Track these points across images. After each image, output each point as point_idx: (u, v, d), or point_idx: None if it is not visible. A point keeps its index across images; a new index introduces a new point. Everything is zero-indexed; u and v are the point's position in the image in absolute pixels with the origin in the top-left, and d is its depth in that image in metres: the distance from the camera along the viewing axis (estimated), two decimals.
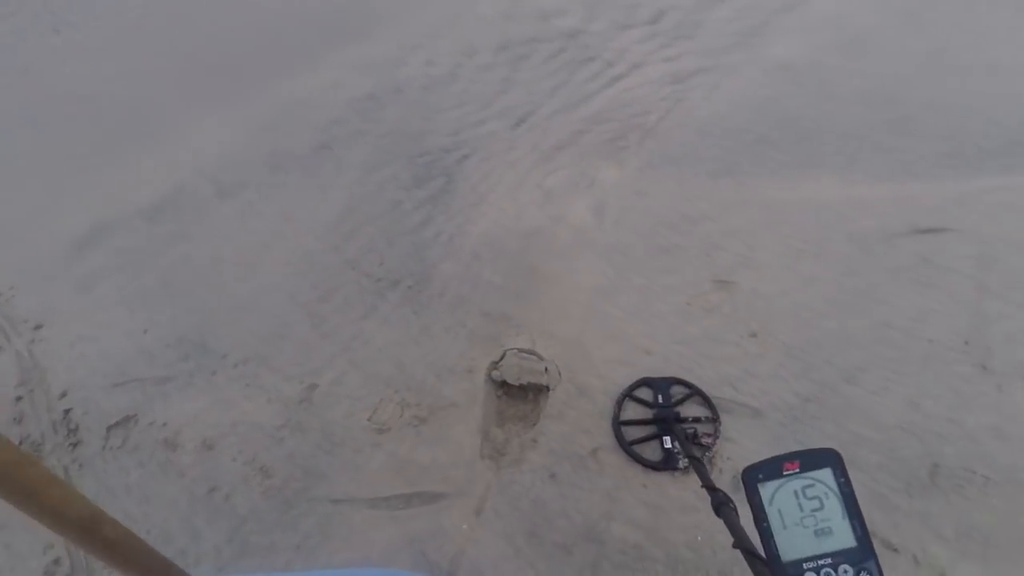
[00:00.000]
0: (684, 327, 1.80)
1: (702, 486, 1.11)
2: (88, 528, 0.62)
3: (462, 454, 1.60)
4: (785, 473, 0.58)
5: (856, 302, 1.79)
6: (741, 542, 0.81)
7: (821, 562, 0.54)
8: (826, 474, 0.58)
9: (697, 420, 1.60)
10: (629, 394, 1.65)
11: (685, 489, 1.48)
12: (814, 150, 2.22)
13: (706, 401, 1.63)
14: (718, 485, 1.36)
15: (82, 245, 2.24)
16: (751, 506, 0.58)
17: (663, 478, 1.51)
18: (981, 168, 2.09)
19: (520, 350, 1.80)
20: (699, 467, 1.23)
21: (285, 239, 2.20)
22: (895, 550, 1.34)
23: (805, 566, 0.54)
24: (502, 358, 1.78)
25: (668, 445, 1.53)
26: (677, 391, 1.66)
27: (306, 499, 1.55)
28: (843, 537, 0.55)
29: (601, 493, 1.50)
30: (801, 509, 0.57)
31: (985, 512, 1.39)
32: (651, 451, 1.56)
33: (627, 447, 1.55)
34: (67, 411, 1.79)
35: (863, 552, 0.54)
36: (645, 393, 1.66)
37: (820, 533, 0.55)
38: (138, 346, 1.92)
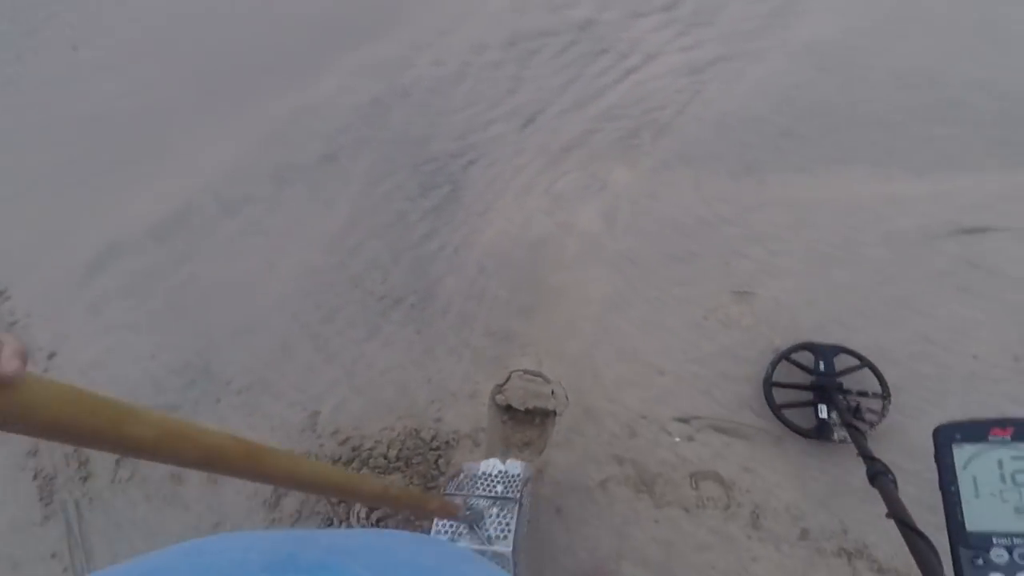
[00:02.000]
0: (700, 343, 1.68)
1: (858, 455, 1.08)
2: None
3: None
4: (991, 438, 0.51)
5: (892, 314, 1.64)
6: (896, 513, 0.79)
7: (1017, 540, 0.47)
8: None
9: (863, 394, 1.47)
10: (786, 356, 1.55)
11: (699, 526, 1.39)
12: (845, 142, 2.04)
13: (877, 376, 1.49)
14: None
15: (93, 268, 2.25)
16: (939, 467, 0.52)
17: (675, 512, 1.41)
18: None
19: (526, 371, 1.72)
20: (857, 436, 1.16)
21: (289, 256, 2.16)
22: None
23: (995, 540, 0.47)
24: (507, 381, 1.71)
25: (823, 415, 1.42)
26: (844, 360, 1.53)
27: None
28: None
29: (610, 529, 1.41)
30: (1003, 480, 0.50)
31: None
32: (804, 418, 1.47)
33: (776, 410, 1.48)
34: None
35: None
36: (805, 358, 1.55)
37: (1022, 511, 0.48)
38: (146, 372, 1.92)
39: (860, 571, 1.28)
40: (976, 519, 0.49)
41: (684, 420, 1.55)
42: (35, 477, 1.73)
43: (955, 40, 2.24)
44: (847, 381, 1.49)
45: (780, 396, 1.51)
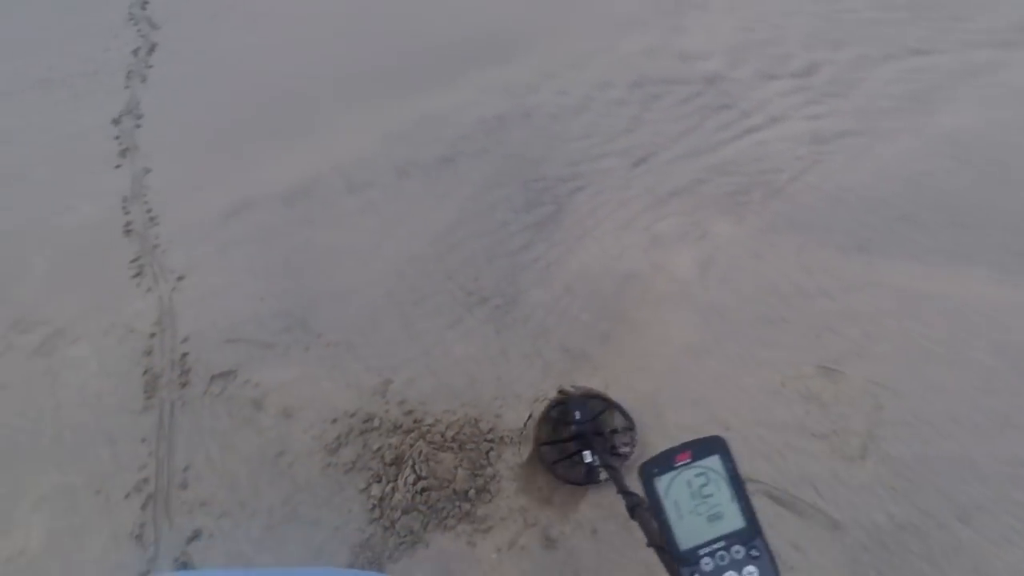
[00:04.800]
0: (773, 409, 1.65)
1: (617, 492, 1.17)
2: None
3: (510, 485, 1.59)
4: (677, 464, 0.60)
5: (990, 427, 1.54)
6: (653, 540, 0.89)
7: (715, 546, 0.56)
8: (715, 461, 0.60)
9: (614, 432, 1.59)
10: (547, 415, 1.63)
11: None
12: (970, 239, 1.95)
13: (621, 412, 1.61)
14: None
15: (228, 215, 2.53)
16: (650, 500, 0.60)
17: None
18: None
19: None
20: (615, 474, 1.26)
21: (396, 240, 2.33)
22: None
23: (701, 552, 0.56)
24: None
25: (588, 460, 1.50)
26: (594, 405, 1.61)
27: (356, 488, 1.62)
28: (733, 520, 0.58)
29: (636, 560, 1.41)
30: (693, 497, 0.59)
31: None
32: (573, 468, 1.55)
33: (550, 467, 1.56)
34: (184, 354, 2.02)
35: (751, 531, 0.56)
36: (562, 412, 1.63)
37: (712, 518, 0.58)
38: (253, 311, 2.12)
39: None
40: (684, 538, 0.58)
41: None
42: (145, 373, 1.96)
43: None
44: (602, 423, 1.59)
45: (552, 454, 1.58)
